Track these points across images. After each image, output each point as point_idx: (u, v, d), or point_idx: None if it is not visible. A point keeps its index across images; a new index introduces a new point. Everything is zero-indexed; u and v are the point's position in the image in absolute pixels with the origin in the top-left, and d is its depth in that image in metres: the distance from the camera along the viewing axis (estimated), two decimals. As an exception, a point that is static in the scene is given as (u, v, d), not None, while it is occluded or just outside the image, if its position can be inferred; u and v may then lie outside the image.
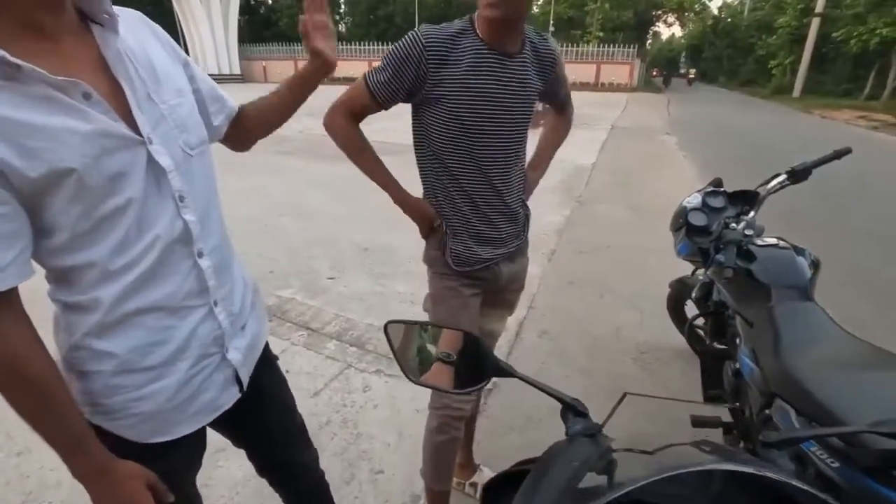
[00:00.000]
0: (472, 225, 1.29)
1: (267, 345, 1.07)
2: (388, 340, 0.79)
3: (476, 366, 0.74)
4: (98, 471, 0.73)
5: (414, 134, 1.28)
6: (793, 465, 0.61)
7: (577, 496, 0.51)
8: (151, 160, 0.71)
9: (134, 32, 0.76)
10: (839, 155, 1.79)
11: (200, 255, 0.80)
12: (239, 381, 0.93)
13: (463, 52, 1.14)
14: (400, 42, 1.15)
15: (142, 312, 0.75)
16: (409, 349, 0.82)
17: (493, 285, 1.38)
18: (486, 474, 1.75)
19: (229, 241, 0.92)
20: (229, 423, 0.99)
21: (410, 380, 0.78)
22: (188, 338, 0.81)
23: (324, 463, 1.81)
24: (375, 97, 1.18)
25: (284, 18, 37.51)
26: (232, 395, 0.92)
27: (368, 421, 2.05)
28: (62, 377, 0.71)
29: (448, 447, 1.43)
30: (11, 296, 0.65)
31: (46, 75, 0.60)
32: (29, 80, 0.60)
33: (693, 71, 39.15)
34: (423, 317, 1.41)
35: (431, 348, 0.81)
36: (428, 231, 1.33)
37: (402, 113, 1.31)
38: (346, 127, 1.24)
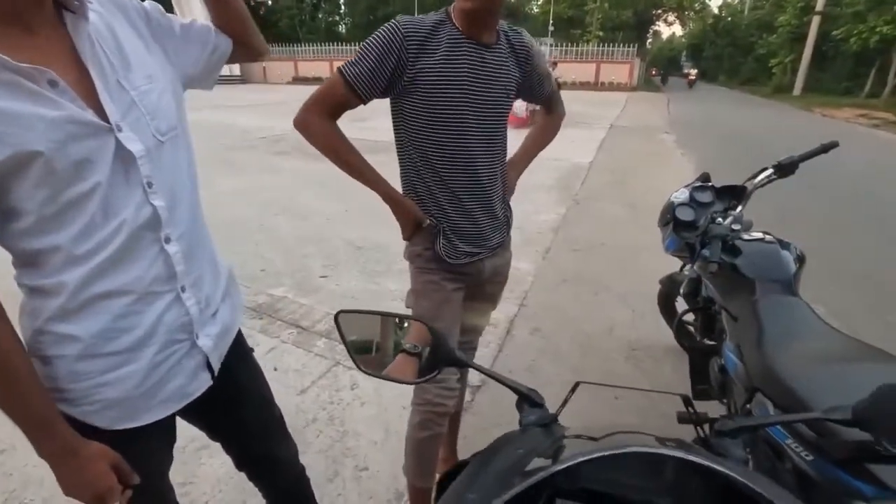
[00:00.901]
0: (455, 222, 1.27)
1: (241, 336, 1.06)
2: (339, 331, 0.78)
3: (433, 356, 0.74)
4: (64, 451, 0.74)
5: (394, 129, 1.27)
6: (744, 453, 0.60)
7: (517, 478, 0.51)
8: (120, 146, 0.72)
9: (103, 16, 0.76)
10: (826, 149, 1.78)
11: (168, 240, 0.80)
12: (210, 368, 0.92)
13: (439, 41, 1.13)
14: (378, 32, 1.13)
15: (107, 297, 0.75)
16: (364, 340, 0.80)
17: (476, 280, 1.37)
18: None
19: (204, 227, 0.92)
20: (204, 415, 0.99)
21: (362, 371, 0.77)
22: (155, 323, 0.80)
23: (308, 460, 1.81)
24: (355, 90, 1.15)
25: (284, 19, 37.55)
26: (202, 382, 0.91)
27: (355, 418, 2.04)
28: (28, 357, 0.72)
29: (430, 443, 1.42)
30: None
31: (10, 62, 0.61)
32: None
33: (694, 71, 35.87)
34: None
35: (390, 340, 0.79)
36: (412, 232, 1.31)
37: (383, 109, 1.30)
38: (323, 125, 1.19)
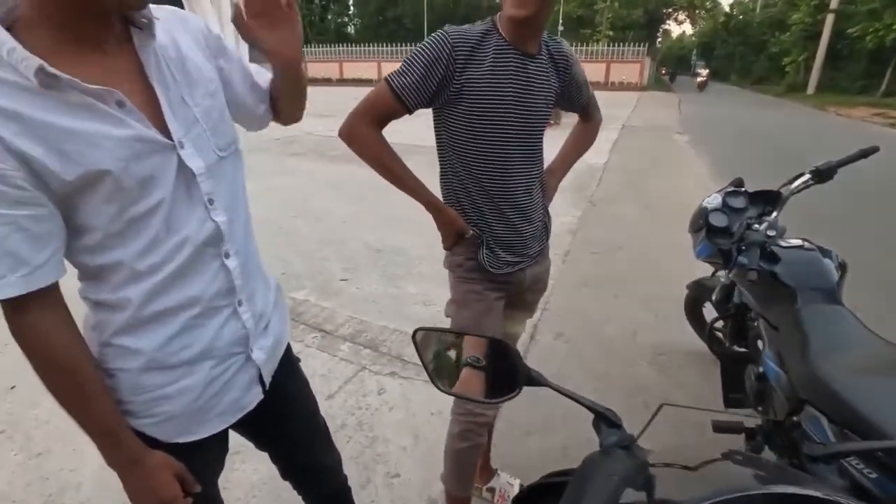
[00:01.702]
0: (497, 231, 1.27)
1: (289, 346, 1.06)
2: (417, 349, 0.77)
3: (504, 374, 0.72)
4: (130, 460, 0.76)
5: (436, 138, 1.26)
6: (841, 480, 0.58)
7: None
8: (182, 164, 0.73)
9: (168, 31, 0.77)
10: (865, 154, 1.74)
11: (227, 255, 0.81)
12: (262, 382, 0.92)
13: (486, 51, 1.13)
14: (426, 43, 1.13)
15: (170, 311, 0.77)
16: (437, 357, 0.80)
17: (518, 289, 1.37)
18: (503, 479, 1.73)
19: (254, 241, 0.93)
20: (253, 426, 0.99)
21: (440, 389, 0.76)
22: (214, 338, 0.82)
23: (340, 467, 1.82)
24: (403, 101, 1.14)
25: (294, 20, 37.63)
26: (255, 396, 0.92)
27: (384, 424, 2.04)
28: (96, 368, 0.74)
29: (470, 453, 1.41)
30: (50, 292, 0.68)
31: (81, 84, 0.62)
32: (67, 89, 0.62)
33: (705, 71, 29.71)
34: (441, 318, 1.39)
35: (456, 355, 0.79)
36: (454, 242, 1.30)
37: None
38: (371, 136, 1.19)
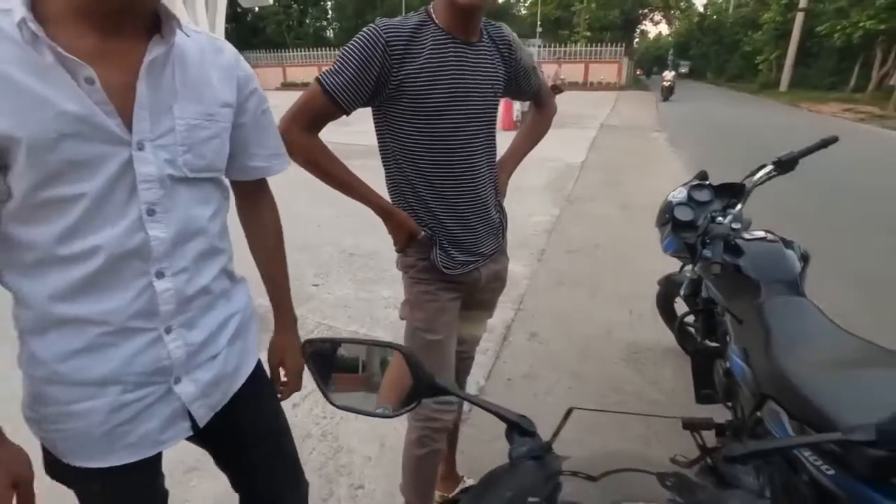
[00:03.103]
0: (450, 230, 1.21)
1: (256, 373, 0.97)
2: (307, 362, 0.71)
3: (413, 385, 0.67)
4: None
5: (378, 138, 1.20)
6: (757, 482, 0.55)
7: None
8: (129, 163, 0.69)
9: (204, 51, 0.79)
10: (826, 144, 1.74)
11: (161, 275, 0.74)
12: (192, 417, 0.84)
13: (423, 43, 1.07)
14: (358, 38, 1.06)
15: (78, 322, 0.71)
16: (338, 370, 0.74)
17: (473, 288, 1.31)
18: (469, 486, 1.68)
19: (224, 274, 0.87)
20: (210, 445, 0.95)
21: (334, 405, 0.70)
22: (126, 362, 0.75)
23: (301, 480, 1.75)
24: (338, 101, 1.07)
25: (271, 25, 37.43)
26: (179, 432, 0.83)
27: (349, 433, 1.97)
28: None
29: (429, 460, 1.36)
30: None
31: (56, 48, 0.61)
32: (42, 49, 0.62)
33: (671, 74, 21.14)
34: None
35: (356, 366, 0.73)
36: (405, 243, 1.24)
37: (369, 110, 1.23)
38: (302, 140, 1.09)
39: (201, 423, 0.85)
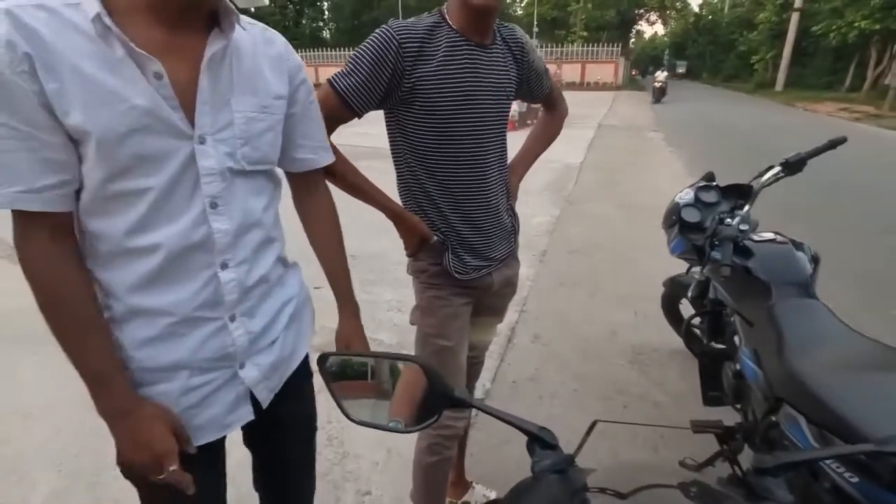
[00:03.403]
0: (462, 235, 1.20)
1: (303, 364, 1.00)
2: (324, 376, 0.69)
3: (431, 398, 0.65)
4: (121, 410, 0.74)
5: (391, 142, 1.19)
6: (790, 495, 0.54)
7: None
8: (192, 157, 0.71)
9: (256, 43, 0.79)
10: (834, 144, 1.73)
11: (225, 266, 0.77)
12: (255, 401, 0.87)
13: (437, 45, 1.06)
14: (370, 40, 1.04)
15: (151, 313, 0.74)
16: (354, 385, 0.72)
17: (485, 293, 1.30)
18: (478, 492, 1.66)
19: (279, 262, 0.90)
20: (253, 437, 0.99)
21: (353, 421, 0.68)
22: (195, 349, 0.78)
23: (308, 486, 1.73)
24: (349, 104, 1.06)
25: (268, 25, 37.29)
26: (242, 415, 0.87)
27: (354, 438, 1.95)
28: (97, 309, 0.72)
29: (440, 468, 1.34)
30: (52, 220, 0.67)
31: (128, 43, 0.63)
32: (114, 44, 0.63)
33: (663, 74, 19.58)
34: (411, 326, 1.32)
35: (383, 383, 0.71)
36: (417, 248, 1.22)
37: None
38: None
39: (264, 405, 0.88)
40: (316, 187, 1.01)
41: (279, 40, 0.85)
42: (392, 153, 1.20)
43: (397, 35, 1.02)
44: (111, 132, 0.64)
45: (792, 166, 1.73)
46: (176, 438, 0.77)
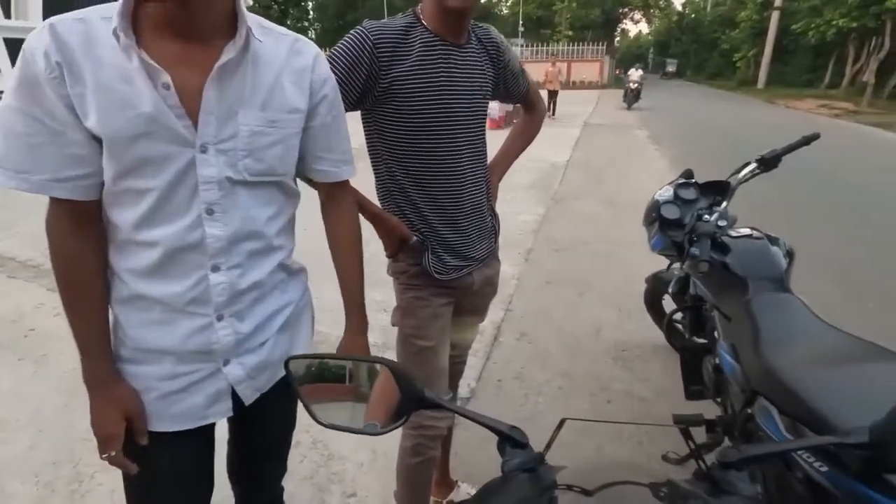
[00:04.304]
0: (442, 235, 1.20)
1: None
2: (291, 380, 0.69)
3: (402, 399, 0.65)
4: (98, 382, 0.81)
5: (368, 142, 1.18)
6: (753, 488, 0.54)
7: None
8: (192, 164, 0.75)
9: (276, 56, 0.80)
10: (808, 140, 1.76)
11: (216, 269, 0.81)
12: (236, 398, 0.90)
13: (412, 45, 1.06)
14: (345, 41, 1.04)
15: (147, 300, 0.80)
16: (323, 387, 0.71)
17: (466, 293, 1.30)
18: (463, 491, 1.67)
19: (280, 268, 0.91)
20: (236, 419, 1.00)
21: (321, 424, 0.68)
22: (183, 339, 0.82)
23: (292, 487, 1.71)
24: None
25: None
26: (221, 410, 0.90)
27: (339, 440, 1.94)
28: (102, 291, 0.80)
29: (423, 468, 1.34)
30: (76, 207, 0.74)
31: (141, 53, 0.68)
32: (132, 55, 0.69)
33: (636, 74, 16.21)
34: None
35: (343, 376, 0.71)
36: (397, 249, 1.23)
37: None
38: None
39: (247, 402, 0.91)
40: (337, 199, 1.01)
41: (308, 51, 0.86)
42: (369, 155, 1.20)
43: (372, 36, 1.02)
44: (120, 135, 0.70)
45: (767, 162, 1.76)
46: (132, 427, 0.83)
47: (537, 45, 27.92)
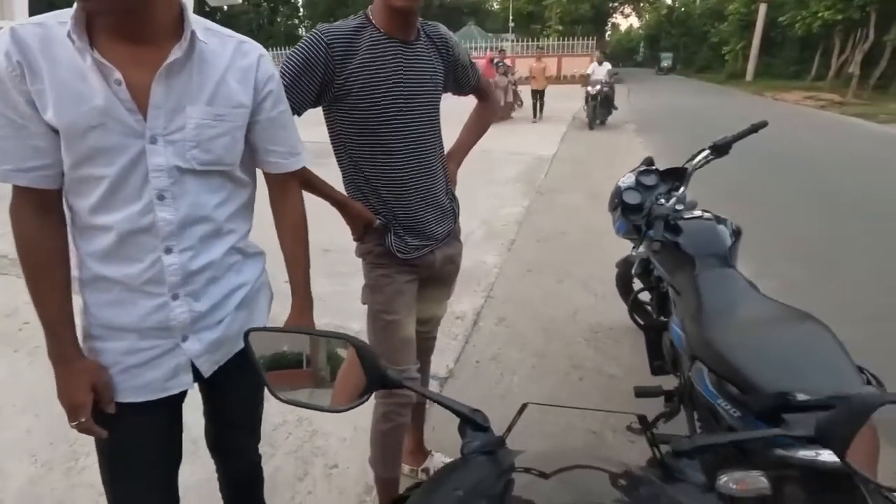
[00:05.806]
0: (402, 218, 1.30)
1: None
2: (250, 352, 0.69)
3: (365, 374, 0.65)
4: (61, 357, 0.88)
5: (331, 136, 1.29)
6: (703, 476, 0.60)
7: None
8: (143, 154, 0.82)
9: (222, 54, 0.88)
10: (756, 128, 1.88)
11: (169, 251, 0.88)
12: (197, 372, 0.98)
13: (362, 44, 1.17)
14: (302, 44, 1.15)
15: (107, 280, 0.88)
16: (274, 359, 0.72)
17: (429, 270, 1.41)
18: (437, 460, 1.78)
19: (234, 251, 0.99)
20: (205, 388, 1.10)
21: (280, 399, 0.69)
22: (143, 317, 0.90)
23: (278, 461, 1.83)
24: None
25: (241, 25, 36.76)
26: (182, 382, 0.97)
27: (323, 417, 2.04)
28: (63, 273, 0.86)
29: (394, 434, 1.45)
30: (38, 195, 0.81)
31: (93, 53, 0.76)
32: (85, 55, 0.76)
33: (602, 70, 10.67)
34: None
35: (316, 360, 0.72)
36: (363, 232, 1.33)
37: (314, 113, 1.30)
38: None
39: (206, 375, 0.99)
40: (285, 189, 1.08)
41: (253, 52, 0.93)
42: (333, 147, 1.30)
43: (325, 37, 1.13)
44: (75, 126, 0.77)
45: (720, 149, 1.88)
46: (99, 396, 0.89)
47: (527, 41, 27.95)
